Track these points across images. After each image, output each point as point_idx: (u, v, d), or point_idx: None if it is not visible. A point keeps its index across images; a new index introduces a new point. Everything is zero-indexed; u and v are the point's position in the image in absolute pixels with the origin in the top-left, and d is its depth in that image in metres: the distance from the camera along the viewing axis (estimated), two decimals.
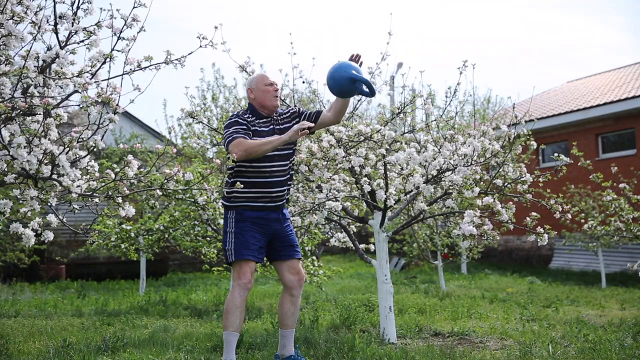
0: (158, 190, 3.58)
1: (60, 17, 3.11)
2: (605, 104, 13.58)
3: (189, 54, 3.35)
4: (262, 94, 3.94)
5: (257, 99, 3.96)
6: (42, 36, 3.12)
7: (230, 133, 3.76)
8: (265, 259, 4.02)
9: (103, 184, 3.26)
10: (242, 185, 3.61)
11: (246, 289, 3.70)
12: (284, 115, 4.04)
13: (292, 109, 4.11)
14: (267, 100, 3.94)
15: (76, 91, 3.03)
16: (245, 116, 3.90)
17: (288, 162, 3.96)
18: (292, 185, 5.09)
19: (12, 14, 2.99)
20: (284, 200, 3.99)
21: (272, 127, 3.94)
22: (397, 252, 13.80)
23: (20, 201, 3.13)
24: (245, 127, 3.81)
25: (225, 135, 3.79)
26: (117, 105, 3.04)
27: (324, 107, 5.75)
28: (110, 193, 3.24)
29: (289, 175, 3.99)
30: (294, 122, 4.01)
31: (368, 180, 4.88)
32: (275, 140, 3.73)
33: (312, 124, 3.83)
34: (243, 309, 3.70)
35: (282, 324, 3.96)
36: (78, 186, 3.16)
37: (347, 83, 3.78)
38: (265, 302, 7.72)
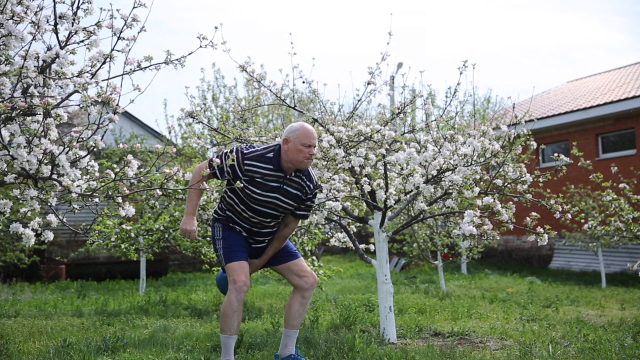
0: (158, 190, 3.58)
1: (60, 17, 3.11)
2: (605, 104, 13.57)
3: (189, 54, 3.35)
4: (295, 152, 3.73)
5: (289, 152, 3.74)
6: (42, 36, 3.12)
7: (218, 155, 3.81)
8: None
9: (103, 184, 3.26)
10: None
11: (242, 291, 3.67)
12: (297, 180, 3.84)
13: (307, 183, 3.87)
14: (297, 161, 3.74)
15: (76, 91, 3.02)
16: (255, 164, 3.75)
17: (275, 222, 3.92)
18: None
19: (12, 14, 2.99)
20: (266, 242, 4.00)
21: (280, 185, 3.79)
22: (397, 252, 13.79)
23: (20, 201, 3.13)
24: (227, 169, 3.73)
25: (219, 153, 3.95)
26: (117, 105, 3.04)
27: (324, 107, 5.77)
28: (110, 193, 3.24)
29: (274, 229, 3.97)
30: (298, 192, 3.84)
31: (368, 180, 4.88)
32: (186, 208, 3.83)
33: (196, 237, 3.89)
34: (240, 311, 3.69)
35: (288, 324, 3.95)
36: (78, 186, 3.17)
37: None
38: (265, 302, 7.72)
